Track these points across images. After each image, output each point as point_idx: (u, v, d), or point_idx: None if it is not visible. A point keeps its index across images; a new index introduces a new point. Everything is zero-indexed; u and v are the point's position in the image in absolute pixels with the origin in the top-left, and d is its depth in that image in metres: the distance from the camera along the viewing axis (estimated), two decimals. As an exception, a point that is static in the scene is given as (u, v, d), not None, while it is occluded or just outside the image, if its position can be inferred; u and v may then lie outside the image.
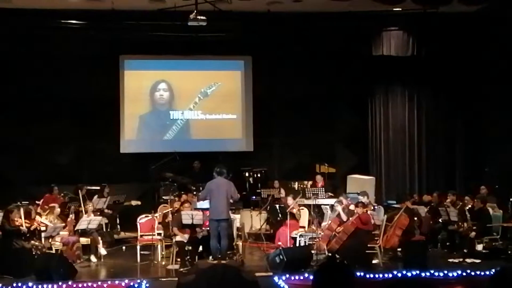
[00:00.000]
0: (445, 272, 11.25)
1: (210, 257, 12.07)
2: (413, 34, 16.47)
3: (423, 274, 10.88)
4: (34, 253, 11.98)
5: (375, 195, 16.16)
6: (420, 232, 13.55)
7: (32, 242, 12.30)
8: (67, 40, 16.06)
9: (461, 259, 12.57)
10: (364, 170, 17.54)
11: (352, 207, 12.77)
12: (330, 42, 16.64)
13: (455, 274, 11.17)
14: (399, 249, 12.88)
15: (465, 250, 12.77)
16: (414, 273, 10.95)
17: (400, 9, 15.63)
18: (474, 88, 17.16)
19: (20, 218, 12.39)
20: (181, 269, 12.01)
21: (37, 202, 14.54)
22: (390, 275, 10.91)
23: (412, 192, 16.55)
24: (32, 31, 15.65)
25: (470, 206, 13.57)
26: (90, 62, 17.01)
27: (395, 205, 14.94)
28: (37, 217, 13.04)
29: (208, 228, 12.36)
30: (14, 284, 10.64)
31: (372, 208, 13.29)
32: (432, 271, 11.24)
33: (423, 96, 17.74)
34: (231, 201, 12.41)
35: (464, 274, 11.21)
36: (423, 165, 17.62)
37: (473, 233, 12.90)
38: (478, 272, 11.25)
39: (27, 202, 14.03)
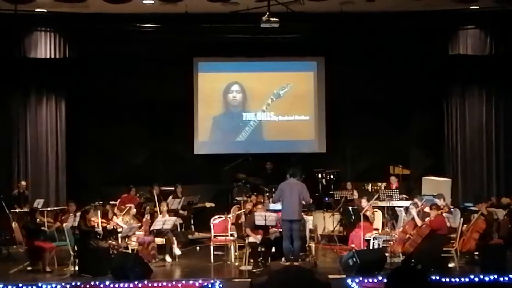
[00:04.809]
0: (525, 277, 10.92)
1: (283, 259, 12.05)
2: (490, 32, 16.04)
3: (501, 279, 10.59)
4: (111, 252, 12.26)
5: (451, 197, 15.82)
6: (498, 236, 13.19)
7: (109, 241, 12.59)
8: (142, 43, 16.43)
9: (541, 264, 12.18)
10: (439, 172, 17.19)
11: (427, 209, 12.55)
12: (404, 42, 16.47)
13: (535, 279, 10.83)
14: (476, 253, 12.58)
15: (545, 255, 12.40)
16: (492, 277, 10.66)
17: (477, 7, 15.27)
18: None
19: (97, 218, 12.71)
20: (254, 270, 12.04)
21: (114, 202, 14.84)
22: (467, 280, 10.68)
23: (490, 194, 16.13)
24: (109, 35, 16.04)
25: (551, 209, 13.17)
26: (164, 64, 17.36)
27: (472, 208, 14.59)
28: (114, 218, 13.36)
29: (281, 230, 12.37)
30: (92, 283, 10.89)
31: (448, 210, 13.01)
32: (510, 276, 10.91)
33: (502, 96, 17.23)
34: (303, 202, 12.39)
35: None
36: (502, 167, 17.13)
37: (554, 238, 12.50)
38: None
39: (111, 202, 14.40)
